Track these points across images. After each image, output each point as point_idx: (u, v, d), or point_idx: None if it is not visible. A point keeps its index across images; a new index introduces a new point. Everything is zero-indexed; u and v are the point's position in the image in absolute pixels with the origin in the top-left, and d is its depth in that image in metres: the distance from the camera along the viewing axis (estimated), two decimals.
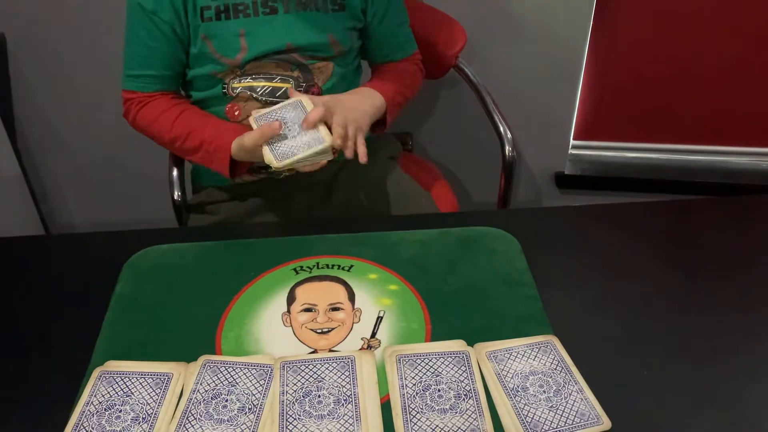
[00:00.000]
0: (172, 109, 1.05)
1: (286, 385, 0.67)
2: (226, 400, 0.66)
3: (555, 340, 0.72)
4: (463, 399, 0.66)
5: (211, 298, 0.80)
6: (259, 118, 0.96)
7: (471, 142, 1.70)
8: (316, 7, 1.03)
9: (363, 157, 0.95)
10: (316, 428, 0.63)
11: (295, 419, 0.64)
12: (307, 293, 0.80)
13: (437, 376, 0.68)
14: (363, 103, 1.03)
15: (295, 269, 0.84)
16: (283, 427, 0.63)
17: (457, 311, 0.77)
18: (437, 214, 1.13)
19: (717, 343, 0.73)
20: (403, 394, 0.66)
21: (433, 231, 0.90)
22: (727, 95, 1.67)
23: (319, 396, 0.66)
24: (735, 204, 0.99)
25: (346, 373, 0.69)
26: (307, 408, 0.65)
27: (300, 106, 0.97)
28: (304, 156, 0.92)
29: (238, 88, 1.05)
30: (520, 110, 1.56)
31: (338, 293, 0.80)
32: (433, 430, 0.63)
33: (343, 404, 0.65)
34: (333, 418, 0.64)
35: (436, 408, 0.65)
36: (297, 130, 0.94)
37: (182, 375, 0.69)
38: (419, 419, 0.64)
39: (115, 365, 0.70)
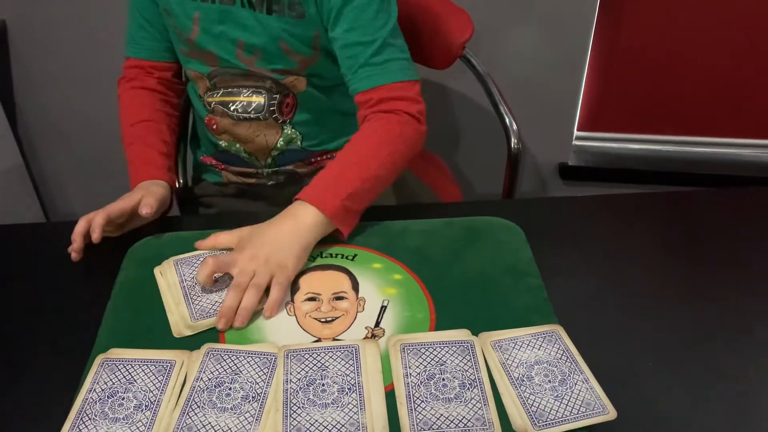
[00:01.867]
0: (142, 112, 1.03)
1: (290, 374, 0.67)
2: (230, 389, 0.66)
3: (560, 330, 0.72)
4: (468, 388, 0.65)
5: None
6: (177, 262, 0.83)
7: (475, 133, 1.69)
8: (269, 9, 0.94)
9: (266, 311, 0.75)
10: (320, 417, 0.63)
11: (299, 408, 0.64)
12: (310, 282, 0.80)
13: (442, 365, 0.68)
14: (280, 232, 0.81)
15: None
16: (286, 416, 0.63)
17: (462, 301, 0.77)
18: (442, 204, 1.13)
19: (722, 332, 0.73)
20: (408, 383, 0.66)
21: (438, 221, 0.90)
22: (733, 87, 1.66)
23: (323, 385, 0.66)
24: (740, 195, 0.99)
25: (350, 362, 0.68)
26: (311, 396, 0.65)
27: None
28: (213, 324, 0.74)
29: (212, 102, 1.04)
30: (523, 101, 1.55)
31: (342, 282, 0.80)
32: (438, 419, 0.62)
33: (347, 393, 0.65)
34: (337, 407, 0.64)
35: (441, 397, 0.64)
36: (225, 282, 0.79)
37: (185, 363, 0.69)
38: (423, 408, 0.63)
39: (117, 353, 0.70)
